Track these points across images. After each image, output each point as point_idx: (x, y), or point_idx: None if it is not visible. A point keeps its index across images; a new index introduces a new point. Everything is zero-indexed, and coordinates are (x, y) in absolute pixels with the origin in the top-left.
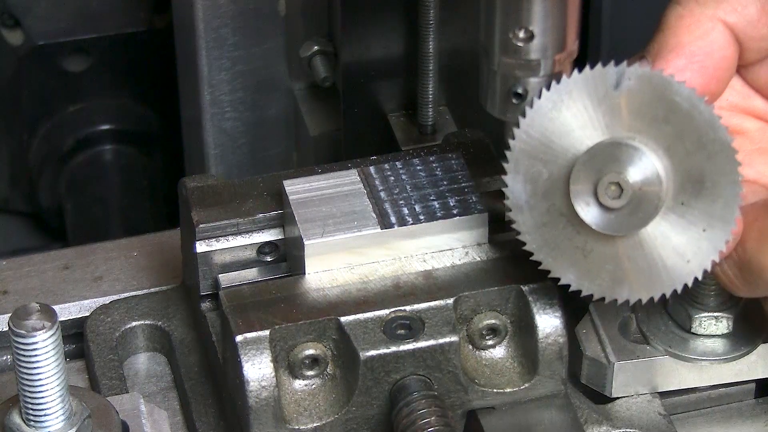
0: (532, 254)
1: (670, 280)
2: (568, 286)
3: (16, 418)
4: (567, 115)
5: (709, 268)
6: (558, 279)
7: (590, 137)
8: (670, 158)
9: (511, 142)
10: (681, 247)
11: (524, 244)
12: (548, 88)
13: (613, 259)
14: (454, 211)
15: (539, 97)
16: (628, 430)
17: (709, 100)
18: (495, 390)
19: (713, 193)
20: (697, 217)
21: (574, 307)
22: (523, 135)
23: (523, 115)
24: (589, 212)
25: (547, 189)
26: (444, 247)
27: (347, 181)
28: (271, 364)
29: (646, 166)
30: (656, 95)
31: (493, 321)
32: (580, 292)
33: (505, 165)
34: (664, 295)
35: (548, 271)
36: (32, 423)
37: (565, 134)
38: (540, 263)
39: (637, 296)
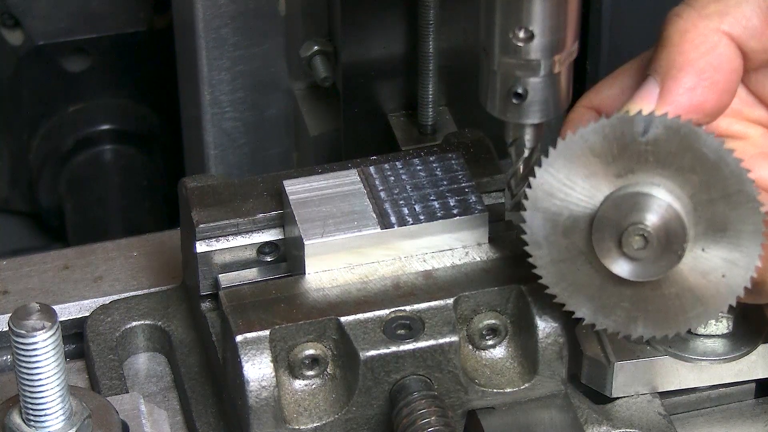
0: (544, 285)
1: (685, 321)
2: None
3: (16, 418)
4: (592, 158)
5: (725, 312)
6: (572, 312)
7: (614, 183)
8: (694, 206)
9: (532, 180)
10: (699, 290)
11: (539, 277)
12: (574, 131)
13: (629, 299)
14: (454, 211)
15: (564, 138)
16: (628, 430)
17: (716, 113)
18: (495, 390)
19: (735, 242)
20: (717, 264)
21: None
22: (546, 174)
23: (546, 155)
24: (612, 260)
25: (567, 228)
26: (444, 247)
27: (347, 181)
28: (271, 364)
29: (670, 216)
30: (684, 145)
31: (493, 321)
32: (593, 325)
33: (524, 201)
34: (678, 333)
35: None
36: (32, 423)
37: (588, 176)
38: (555, 296)
39: (651, 333)
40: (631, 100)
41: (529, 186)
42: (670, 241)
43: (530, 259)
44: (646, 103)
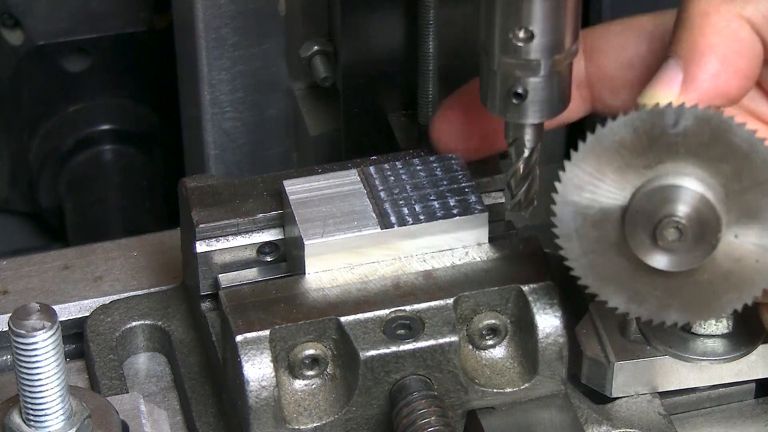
0: (576, 276)
1: (719, 306)
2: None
3: (16, 418)
4: (621, 151)
5: (759, 297)
6: (605, 302)
7: (644, 174)
8: (726, 194)
9: (561, 174)
10: (732, 276)
11: (571, 269)
12: (603, 124)
13: (662, 287)
14: (454, 211)
15: (593, 132)
16: (628, 430)
17: (739, 98)
18: (495, 390)
19: (767, 228)
20: (750, 249)
21: (574, 307)
22: (576, 169)
23: (576, 149)
24: (647, 252)
25: (597, 220)
26: (444, 247)
27: (347, 181)
28: (271, 364)
29: (702, 206)
30: (715, 136)
31: (493, 321)
32: (627, 313)
33: (554, 195)
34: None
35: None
36: (32, 423)
37: (618, 169)
38: (587, 288)
39: (685, 319)
40: (654, 83)
41: (558, 179)
42: (704, 231)
43: (561, 252)
44: (669, 88)
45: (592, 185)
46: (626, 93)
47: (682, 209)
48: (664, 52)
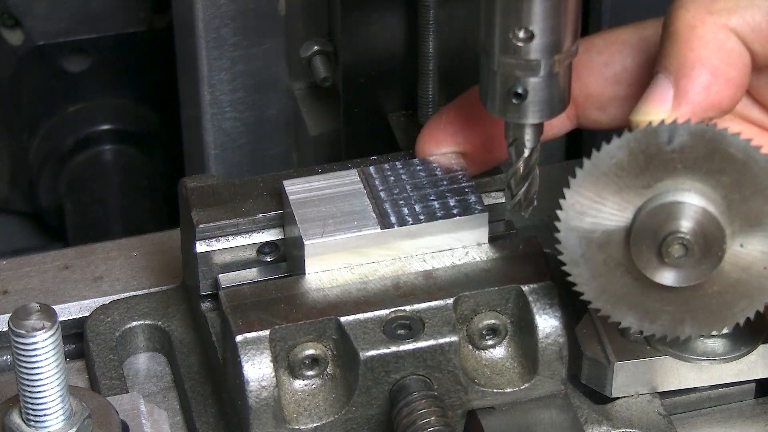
0: (587, 300)
1: (731, 316)
2: (571, 290)
3: (16, 418)
4: (619, 172)
5: None
6: (619, 323)
7: (644, 194)
8: (728, 205)
9: (562, 201)
10: (742, 285)
11: (581, 294)
12: (598, 149)
13: (673, 302)
14: (454, 211)
15: (590, 158)
16: (628, 430)
17: (731, 109)
18: (495, 390)
19: None
20: (757, 257)
21: (574, 307)
22: (576, 195)
23: (573, 175)
24: (654, 270)
25: (602, 243)
26: (444, 247)
27: (347, 181)
28: (271, 364)
29: (705, 219)
30: (710, 149)
31: (493, 321)
32: (641, 332)
33: (556, 223)
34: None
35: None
36: (32, 423)
37: (618, 191)
38: (599, 310)
39: (699, 332)
40: (645, 100)
41: (559, 207)
42: (709, 244)
43: (569, 278)
44: (661, 103)
45: (593, 209)
46: (614, 108)
47: (686, 225)
48: (650, 65)
